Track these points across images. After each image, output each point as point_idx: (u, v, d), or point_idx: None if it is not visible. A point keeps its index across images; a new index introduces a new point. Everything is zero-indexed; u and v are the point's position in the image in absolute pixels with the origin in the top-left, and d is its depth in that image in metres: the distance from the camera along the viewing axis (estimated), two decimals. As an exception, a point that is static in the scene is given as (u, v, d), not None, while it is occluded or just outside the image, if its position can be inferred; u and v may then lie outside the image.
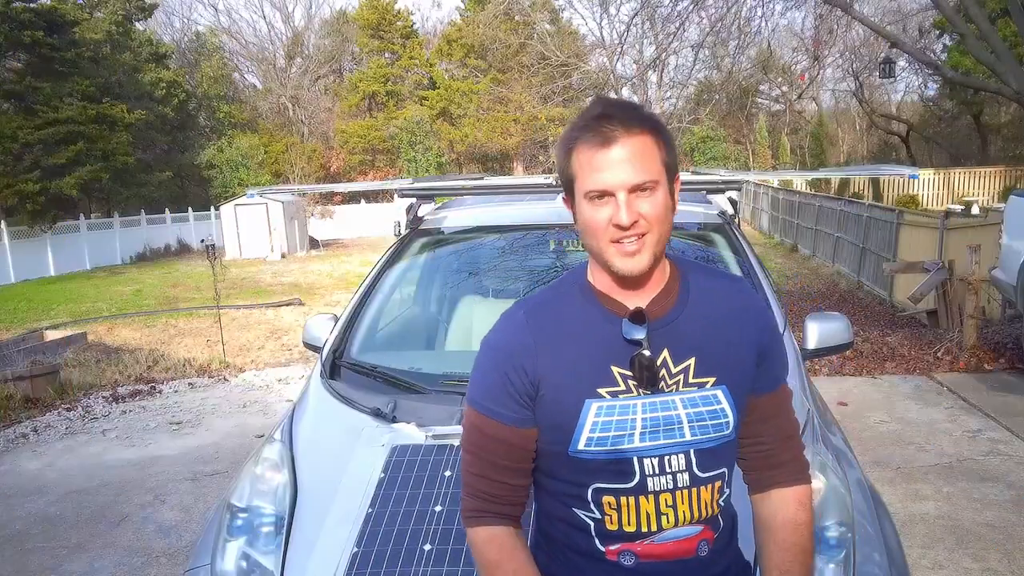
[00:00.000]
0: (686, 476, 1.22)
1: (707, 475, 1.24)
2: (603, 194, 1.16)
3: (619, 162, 1.15)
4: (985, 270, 6.80)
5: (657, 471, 1.22)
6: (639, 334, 1.20)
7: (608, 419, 1.21)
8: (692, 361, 1.23)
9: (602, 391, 1.21)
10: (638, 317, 1.20)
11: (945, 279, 7.47)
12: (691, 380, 1.23)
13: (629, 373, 1.21)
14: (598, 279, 1.26)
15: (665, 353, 1.22)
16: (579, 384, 1.22)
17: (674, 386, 1.22)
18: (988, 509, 3.82)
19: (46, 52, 20.48)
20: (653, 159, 1.17)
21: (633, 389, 1.21)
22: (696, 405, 1.22)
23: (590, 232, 1.20)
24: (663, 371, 1.22)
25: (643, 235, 1.17)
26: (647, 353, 1.20)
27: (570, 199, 1.24)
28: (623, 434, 1.21)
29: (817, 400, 2.48)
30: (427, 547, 1.78)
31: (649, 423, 1.21)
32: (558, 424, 1.23)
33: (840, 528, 1.80)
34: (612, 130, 1.15)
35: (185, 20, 46.62)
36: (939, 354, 6.68)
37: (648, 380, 1.20)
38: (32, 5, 20.40)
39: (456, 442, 2.08)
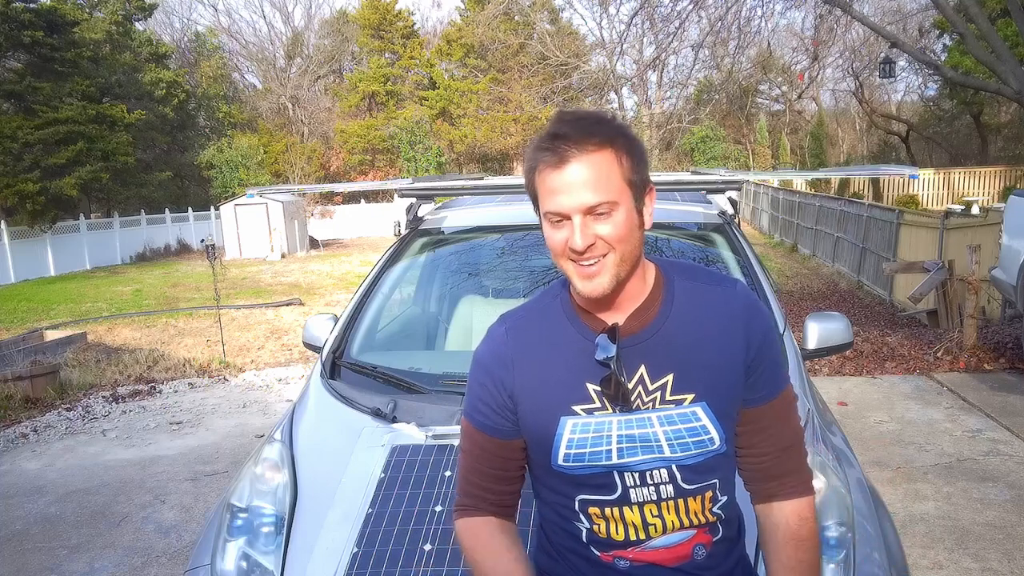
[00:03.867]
0: (670, 488, 1.21)
1: (693, 487, 1.22)
2: (559, 216, 1.14)
3: (573, 184, 1.11)
4: (985, 270, 6.81)
5: (639, 483, 1.21)
6: (610, 352, 1.18)
7: (584, 436, 1.21)
8: (670, 378, 1.20)
9: (577, 408, 1.21)
10: (611, 335, 1.19)
11: (945, 279, 7.47)
12: (668, 397, 1.20)
13: (602, 391, 1.20)
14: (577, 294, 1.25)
15: (642, 370, 1.20)
16: (554, 401, 1.22)
17: (650, 403, 1.20)
18: (988, 509, 3.82)
19: (46, 52, 20.47)
20: (612, 178, 1.12)
21: (608, 406, 1.20)
22: (674, 423, 1.20)
23: (552, 252, 1.18)
24: (639, 388, 1.20)
25: (603, 256, 1.14)
26: (618, 374, 1.18)
27: (538, 214, 1.23)
28: (599, 450, 1.20)
29: (817, 400, 2.48)
30: (427, 547, 1.78)
31: (625, 440, 1.20)
32: (537, 439, 1.25)
33: (840, 528, 1.80)
34: (566, 149, 1.11)
35: (185, 20, 46.59)
36: (939, 354, 6.67)
37: (620, 399, 1.19)
38: (32, 5, 20.38)
39: (456, 442, 2.08)
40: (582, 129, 1.12)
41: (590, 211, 1.12)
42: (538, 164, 1.15)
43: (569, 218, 1.13)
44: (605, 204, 1.12)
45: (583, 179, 1.11)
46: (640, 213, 1.18)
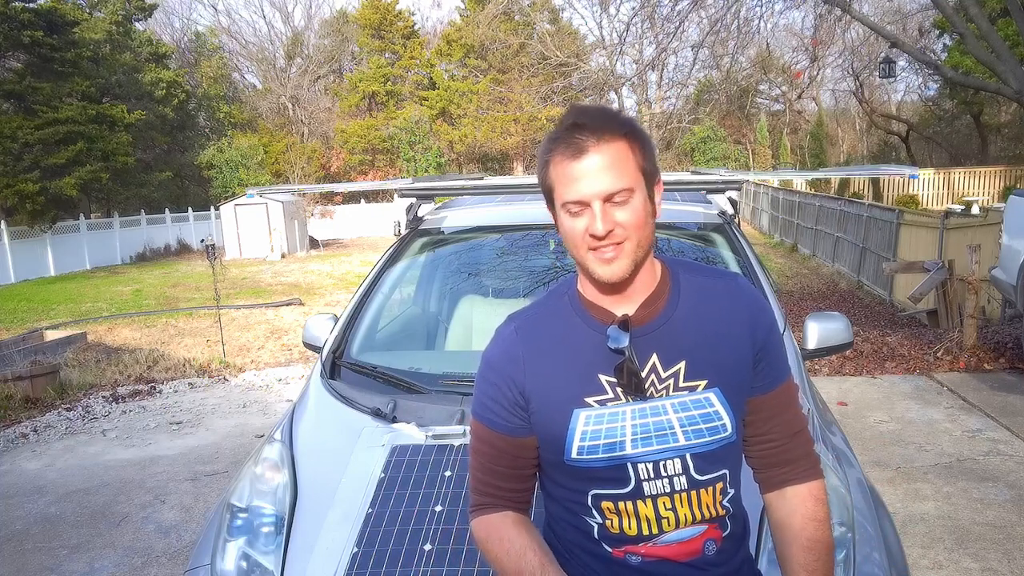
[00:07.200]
0: (683, 479, 1.22)
1: (706, 478, 1.24)
2: (579, 204, 1.17)
3: (592, 172, 1.15)
4: (985, 270, 6.81)
5: (652, 475, 1.22)
6: (623, 342, 1.20)
7: (598, 427, 1.22)
8: (682, 365, 1.22)
9: (590, 400, 1.22)
10: (623, 325, 1.21)
11: (945, 279, 7.48)
12: (682, 384, 1.22)
13: (616, 381, 1.22)
14: (586, 288, 1.27)
15: (654, 358, 1.22)
16: (567, 394, 1.23)
17: (664, 391, 1.22)
18: (988, 509, 3.82)
19: (46, 52, 20.47)
20: (628, 166, 1.17)
21: (621, 396, 1.22)
22: (688, 409, 1.22)
23: (570, 242, 1.21)
24: (652, 377, 1.22)
25: (620, 243, 1.17)
26: (632, 361, 1.20)
27: (551, 209, 1.25)
28: (614, 441, 1.21)
29: (817, 400, 2.48)
30: (427, 547, 1.78)
31: (640, 429, 1.21)
32: (550, 434, 1.25)
33: (840, 528, 1.80)
34: (584, 140, 1.15)
35: (185, 20, 46.75)
36: (939, 354, 6.67)
37: (634, 387, 1.21)
38: (32, 5, 20.38)
39: (456, 442, 2.09)
40: (599, 120, 1.17)
41: (609, 198, 1.16)
42: (554, 155, 1.19)
43: (588, 205, 1.16)
44: (623, 191, 1.16)
45: (602, 166, 1.15)
46: (652, 201, 1.22)
